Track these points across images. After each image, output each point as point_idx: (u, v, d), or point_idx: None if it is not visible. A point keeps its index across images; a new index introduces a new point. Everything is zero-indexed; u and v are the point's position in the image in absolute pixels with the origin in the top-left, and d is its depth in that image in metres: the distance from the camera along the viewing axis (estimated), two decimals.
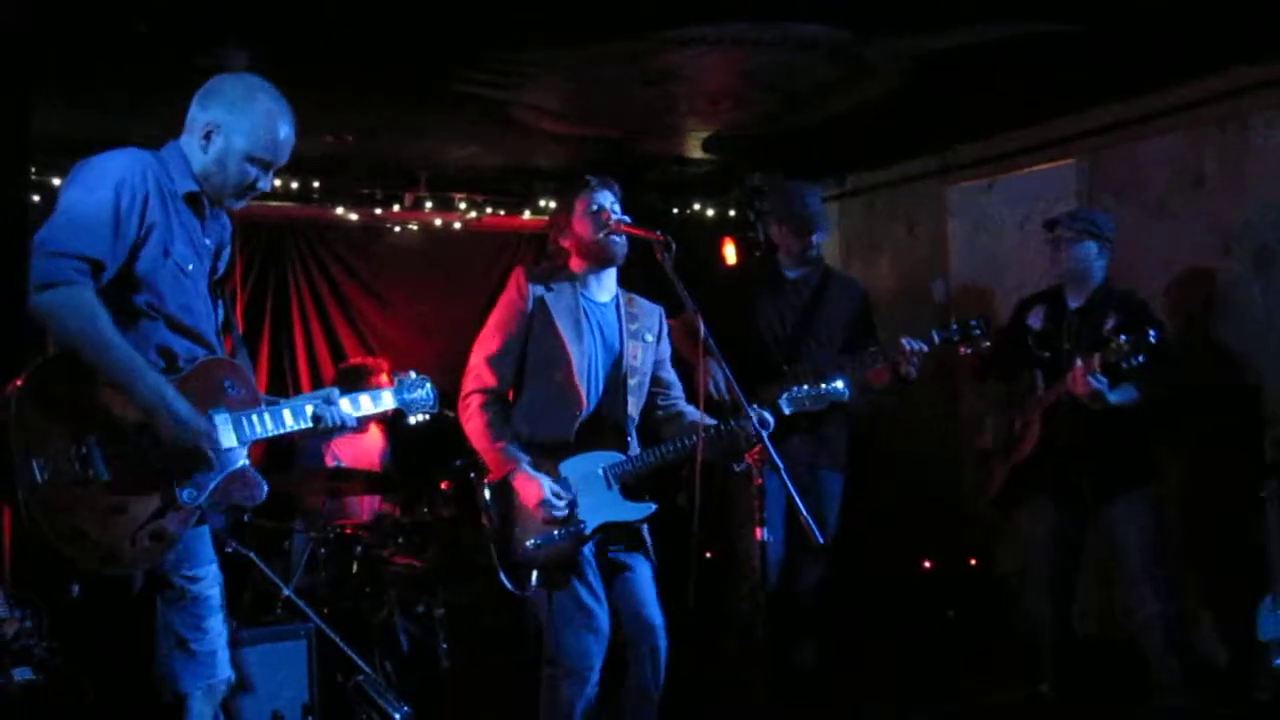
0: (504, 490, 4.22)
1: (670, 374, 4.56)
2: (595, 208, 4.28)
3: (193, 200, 3.33)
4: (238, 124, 3.31)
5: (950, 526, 6.94)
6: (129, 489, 3.12)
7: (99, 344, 3.04)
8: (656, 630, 4.32)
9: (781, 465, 3.71)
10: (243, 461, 3.35)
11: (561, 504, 4.13)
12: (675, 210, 8.10)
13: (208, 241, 3.39)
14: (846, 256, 8.03)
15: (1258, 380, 5.61)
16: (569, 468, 4.22)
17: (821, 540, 3.74)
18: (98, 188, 3.12)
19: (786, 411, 4.40)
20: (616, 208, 4.33)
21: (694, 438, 4.15)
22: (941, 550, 6.86)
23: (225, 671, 3.40)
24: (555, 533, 4.13)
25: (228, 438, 3.28)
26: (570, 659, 4.18)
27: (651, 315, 4.50)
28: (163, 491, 3.17)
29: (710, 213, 8.15)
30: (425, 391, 3.87)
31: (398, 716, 4.91)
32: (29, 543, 3.04)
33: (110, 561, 3.11)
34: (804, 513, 3.67)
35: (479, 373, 4.29)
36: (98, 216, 3.09)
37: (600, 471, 4.24)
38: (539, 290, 4.29)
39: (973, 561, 6.68)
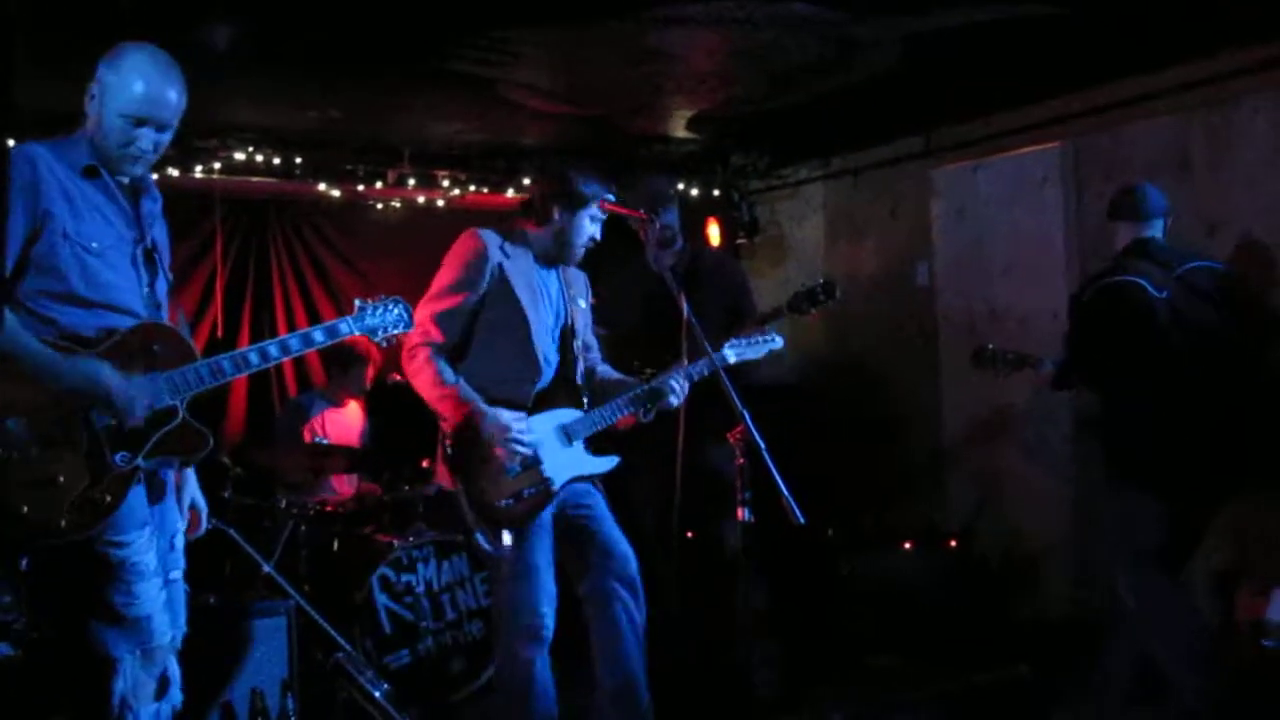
0: (466, 446, 4.24)
1: (590, 336, 4.69)
2: (589, 234, 4.42)
3: (90, 173, 3.36)
4: (108, 81, 3.35)
5: (931, 507, 6.96)
6: (58, 461, 3.15)
7: (11, 353, 3.05)
8: (628, 558, 4.42)
9: (762, 444, 3.73)
10: (181, 416, 3.36)
11: (525, 434, 4.20)
12: None
13: (126, 211, 3.42)
14: (830, 238, 8.03)
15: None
16: (531, 427, 4.28)
17: (803, 521, 3.74)
18: None
19: (731, 360, 4.60)
20: (598, 231, 4.47)
21: (641, 392, 4.39)
22: (921, 531, 6.87)
23: (162, 637, 3.40)
24: (524, 491, 4.22)
25: (159, 397, 3.30)
26: (523, 617, 4.26)
27: (579, 280, 4.65)
28: (92, 458, 3.20)
29: (695, 192, 8.13)
30: (396, 313, 3.78)
31: (377, 694, 4.90)
32: None
33: (46, 534, 3.14)
34: (785, 492, 3.68)
35: (426, 328, 4.30)
36: None
37: (560, 429, 4.35)
38: (498, 256, 4.35)
39: (952, 543, 6.69)
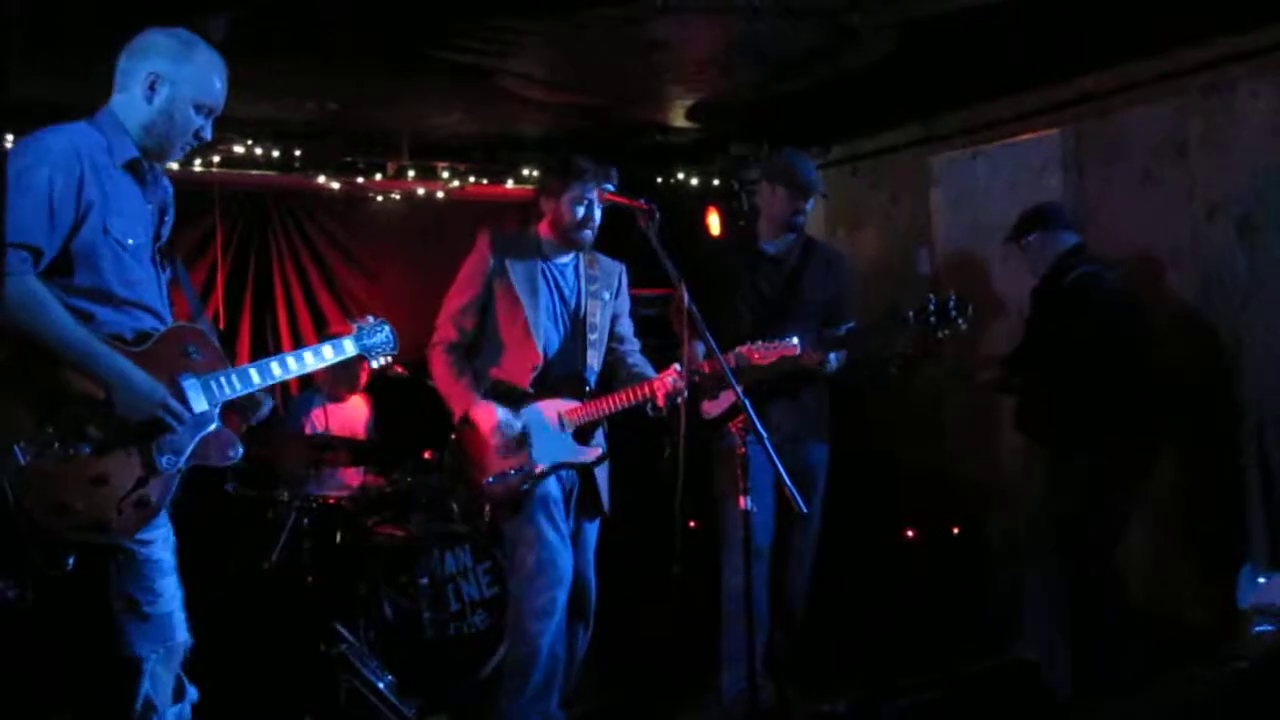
0: (464, 430, 4.69)
1: (624, 327, 5.00)
2: (584, 206, 4.65)
3: (133, 167, 3.37)
4: (183, 73, 3.37)
5: (934, 495, 6.96)
6: (110, 459, 3.20)
7: (50, 331, 3.11)
8: (589, 587, 4.86)
9: (765, 434, 3.75)
10: (216, 423, 3.42)
11: (515, 427, 4.59)
12: (659, 179, 8.08)
13: (150, 208, 3.44)
14: (830, 227, 8.01)
15: (1239, 346, 5.62)
16: (527, 413, 4.66)
17: (805, 510, 3.81)
18: (31, 173, 3.15)
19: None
20: (595, 213, 4.70)
21: (644, 392, 4.62)
22: (925, 519, 6.88)
23: (182, 634, 3.44)
24: (510, 471, 4.58)
25: (198, 402, 3.36)
26: (534, 598, 4.57)
27: (611, 274, 4.93)
28: (142, 459, 3.26)
29: (694, 182, 8.12)
30: (385, 335, 3.95)
31: (381, 685, 4.92)
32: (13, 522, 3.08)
33: (99, 531, 3.20)
34: (788, 483, 3.71)
35: (443, 327, 4.78)
36: (34, 203, 3.12)
37: (555, 416, 4.68)
38: (501, 254, 4.72)
39: (955, 530, 6.70)
